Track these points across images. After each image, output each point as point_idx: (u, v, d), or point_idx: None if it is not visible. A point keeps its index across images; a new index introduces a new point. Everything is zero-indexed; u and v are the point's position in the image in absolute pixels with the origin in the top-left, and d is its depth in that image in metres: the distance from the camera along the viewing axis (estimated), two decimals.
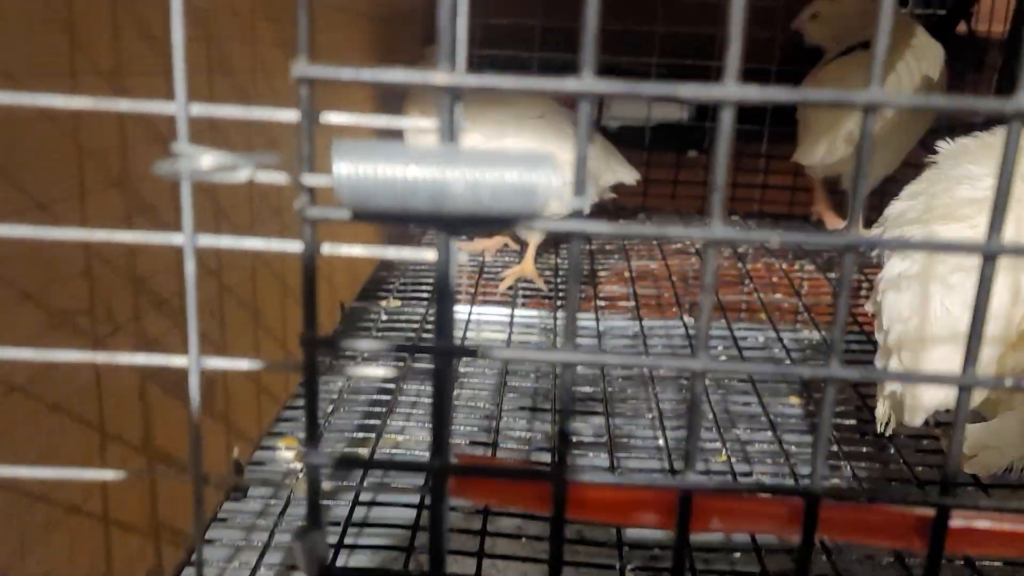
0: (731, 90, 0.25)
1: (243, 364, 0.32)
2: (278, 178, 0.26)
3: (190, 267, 0.29)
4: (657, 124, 1.31)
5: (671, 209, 1.26)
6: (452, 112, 0.26)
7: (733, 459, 0.62)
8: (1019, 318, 0.53)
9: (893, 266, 0.58)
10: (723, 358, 0.80)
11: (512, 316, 0.90)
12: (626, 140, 1.27)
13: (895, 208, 0.63)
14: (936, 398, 0.53)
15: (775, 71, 1.19)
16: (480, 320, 0.90)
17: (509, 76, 0.26)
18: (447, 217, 0.26)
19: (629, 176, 1.01)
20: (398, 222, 0.26)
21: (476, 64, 1.10)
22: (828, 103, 0.26)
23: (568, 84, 0.26)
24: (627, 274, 0.99)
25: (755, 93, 0.26)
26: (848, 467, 0.61)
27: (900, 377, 0.29)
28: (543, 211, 0.26)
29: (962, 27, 1.30)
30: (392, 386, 0.73)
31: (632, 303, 0.91)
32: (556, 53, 1.15)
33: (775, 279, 0.99)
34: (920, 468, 0.61)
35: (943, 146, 0.65)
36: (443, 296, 0.28)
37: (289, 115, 0.27)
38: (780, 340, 0.83)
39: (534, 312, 0.93)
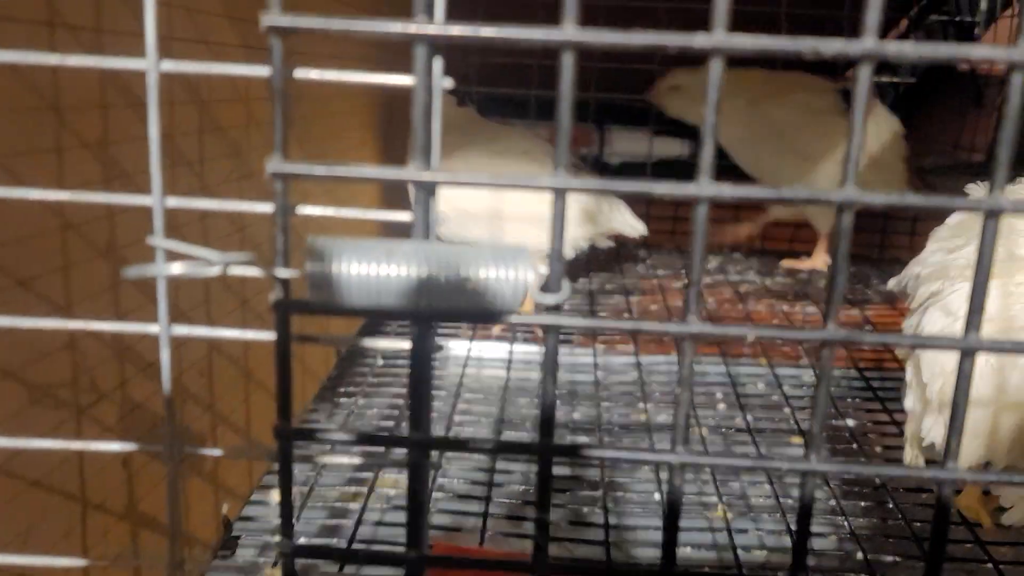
0: (705, 188, 0.25)
1: (217, 452, 0.32)
2: (252, 273, 0.26)
3: (165, 356, 0.29)
4: (658, 160, 1.31)
5: (671, 246, 1.26)
6: (427, 207, 0.26)
7: (730, 514, 0.61)
8: (1013, 376, 0.53)
9: (934, 320, 0.57)
10: (722, 406, 0.79)
11: (511, 352, 0.90)
12: (627, 176, 1.27)
13: (932, 260, 0.62)
14: (975, 453, 0.54)
15: None
16: (480, 357, 0.90)
17: (483, 174, 0.26)
18: (422, 313, 0.26)
19: (631, 228, 0.99)
20: (372, 317, 0.26)
21: (475, 102, 1.10)
22: (802, 201, 0.26)
23: (543, 181, 0.26)
24: (627, 315, 0.99)
25: (728, 191, 0.25)
26: (846, 522, 0.61)
27: (879, 472, 0.28)
28: (518, 306, 0.26)
29: (964, 64, 1.30)
30: (392, 423, 0.73)
31: (632, 345, 0.91)
32: (554, 91, 1.15)
33: (776, 321, 0.98)
34: (919, 524, 0.61)
35: (976, 191, 0.63)
36: (418, 387, 0.28)
37: (265, 207, 0.27)
38: (780, 386, 0.82)
39: (534, 347, 0.92)
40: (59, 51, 0.35)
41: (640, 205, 1.11)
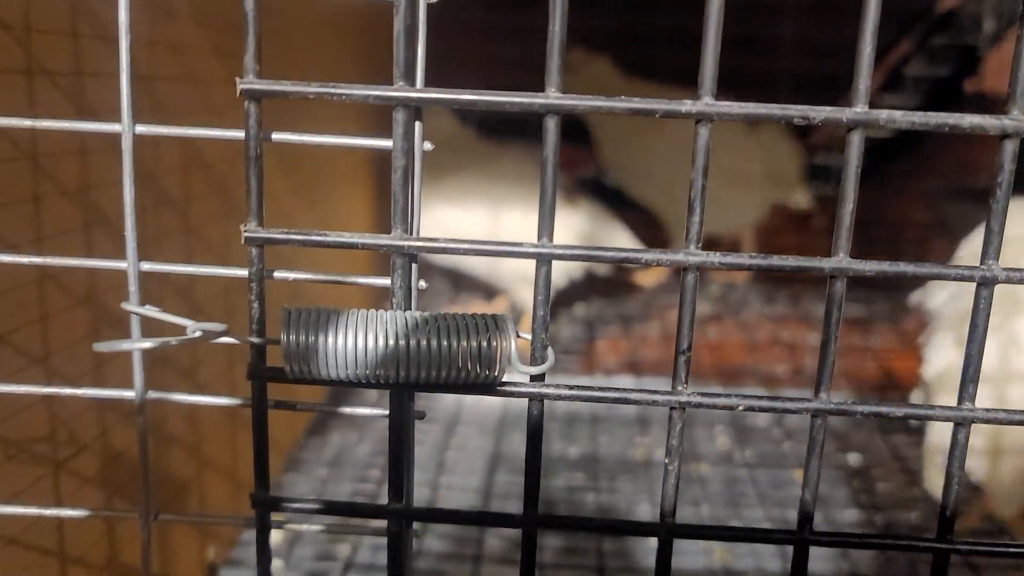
0: (693, 256, 0.25)
1: (194, 518, 0.31)
2: (228, 341, 0.26)
3: (140, 423, 0.28)
4: None
5: (673, 269, 1.25)
6: (408, 275, 0.25)
7: (729, 556, 0.60)
8: None
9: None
10: (722, 439, 0.78)
11: None
12: (629, 202, 1.26)
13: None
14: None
15: None
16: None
17: (463, 241, 0.25)
18: (400, 384, 0.25)
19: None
20: (351, 387, 0.26)
21: (473, 121, 1.09)
22: (792, 269, 0.25)
23: (525, 249, 0.25)
24: (624, 343, 0.98)
25: (716, 259, 0.25)
26: (850, 567, 0.60)
27: (877, 544, 0.28)
28: (501, 375, 0.25)
29: (969, 86, 1.29)
30: (383, 460, 0.72)
31: (631, 375, 0.90)
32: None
33: (777, 350, 0.97)
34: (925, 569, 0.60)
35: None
36: (397, 457, 0.27)
37: (240, 272, 0.26)
38: (781, 418, 0.81)
39: None
40: (36, 99, 0.34)
41: (641, 228, 1.10)
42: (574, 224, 0.92)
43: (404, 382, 0.24)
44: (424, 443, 0.74)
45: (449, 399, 0.84)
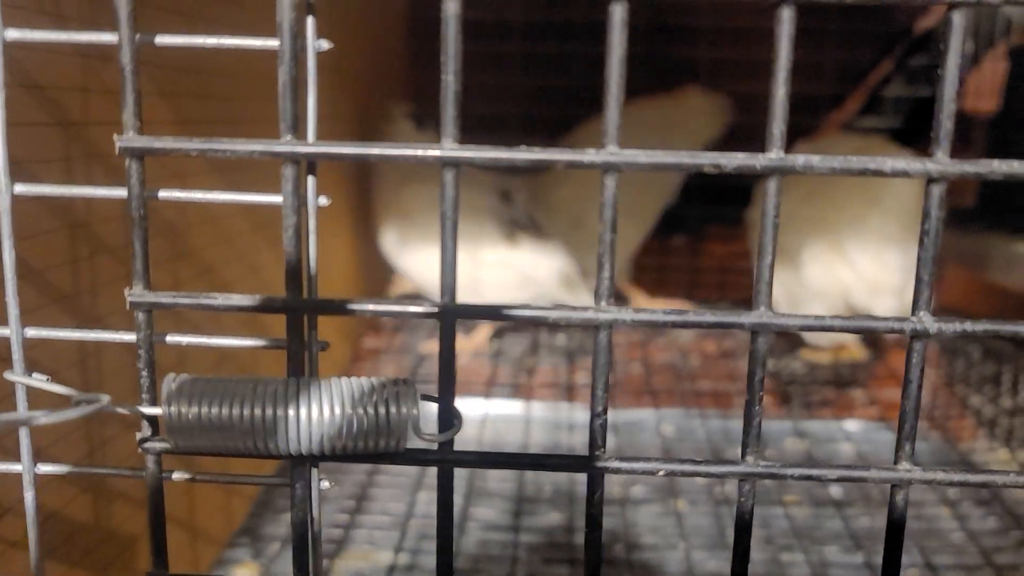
0: (604, 315, 0.23)
1: None
2: (121, 411, 0.24)
3: (29, 498, 0.26)
4: None
5: (660, 295, 1.23)
6: (300, 337, 0.24)
7: None
8: None
9: None
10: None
11: (486, 415, 0.87)
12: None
13: None
14: None
15: None
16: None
17: (361, 300, 0.24)
18: (293, 456, 0.23)
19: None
20: (244, 457, 0.24)
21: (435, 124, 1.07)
22: (709, 326, 0.24)
23: (427, 309, 0.23)
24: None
25: (629, 316, 0.23)
26: None
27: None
28: (402, 444, 0.24)
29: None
30: (353, 504, 0.70)
31: (610, 408, 0.88)
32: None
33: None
34: None
35: None
36: (302, 533, 0.25)
37: (128, 337, 0.25)
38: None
39: (517, 404, 0.89)
40: None
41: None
42: (514, 262, 0.90)
43: (296, 454, 0.23)
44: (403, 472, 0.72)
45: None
